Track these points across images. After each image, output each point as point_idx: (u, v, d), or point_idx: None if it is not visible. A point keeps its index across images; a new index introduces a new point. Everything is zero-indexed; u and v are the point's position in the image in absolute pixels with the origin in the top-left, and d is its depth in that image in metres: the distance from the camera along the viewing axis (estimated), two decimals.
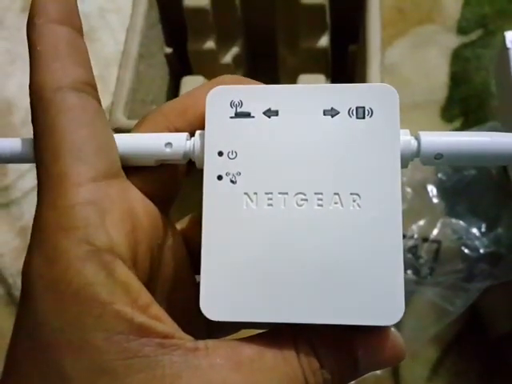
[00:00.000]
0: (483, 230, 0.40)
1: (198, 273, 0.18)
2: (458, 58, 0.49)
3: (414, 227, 0.41)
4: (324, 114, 0.18)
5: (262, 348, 0.16)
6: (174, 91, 0.46)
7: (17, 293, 0.45)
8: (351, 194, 0.17)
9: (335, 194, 0.17)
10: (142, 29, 0.43)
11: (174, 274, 0.20)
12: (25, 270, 0.16)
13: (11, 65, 0.56)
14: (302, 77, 0.42)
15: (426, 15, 0.52)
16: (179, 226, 0.21)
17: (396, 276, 0.17)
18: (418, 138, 0.18)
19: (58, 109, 0.16)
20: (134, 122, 0.40)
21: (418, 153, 0.18)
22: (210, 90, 0.18)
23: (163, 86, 0.47)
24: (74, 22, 0.18)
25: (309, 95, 0.18)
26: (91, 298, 0.15)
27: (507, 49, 0.36)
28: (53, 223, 0.15)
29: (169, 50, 0.47)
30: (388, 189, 0.17)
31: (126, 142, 0.18)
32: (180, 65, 0.48)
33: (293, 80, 0.43)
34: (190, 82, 0.45)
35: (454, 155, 0.18)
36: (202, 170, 0.18)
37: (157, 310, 0.16)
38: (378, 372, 0.38)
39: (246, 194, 0.18)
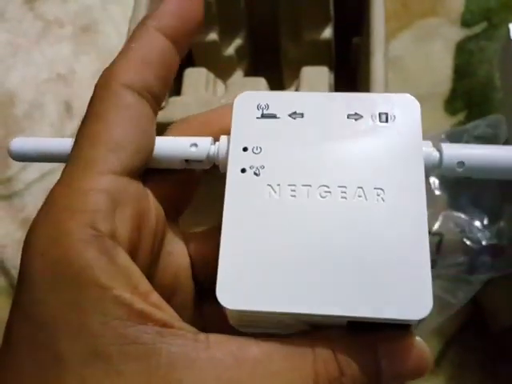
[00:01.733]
0: (485, 222, 0.40)
1: (198, 282, 0.18)
2: (461, 50, 0.49)
3: None
4: (348, 118, 0.18)
5: (273, 349, 0.15)
6: (176, 83, 0.46)
7: None
8: (375, 188, 0.17)
9: (359, 187, 0.17)
10: None
11: (174, 279, 0.20)
12: (25, 247, 0.16)
13: (13, 57, 0.56)
14: (305, 69, 0.42)
15: (429, 8, 0.51)
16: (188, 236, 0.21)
17: (422, 270, 0.16)
18: (439, 149, 0.19)
19: (115, 102, 0.17)
20: None
21: (440, 163, 0.18)
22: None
23: None
24: (180, 43, 0.18)
25: (333, 101, 0.19)
26: (91, 281, 0.14)
27: (510, 41, 0.36)
28: (62, 203, 0.15)
29: None
30: (413, 185, 0.17)
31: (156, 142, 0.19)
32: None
33: (296, 72, 0.43)
34: (192, 74, 0.45)
35: (475, 166, 0.18)
36: (219, 180, 0.19)
37: (157, 298, 0.16)
38: None
39: (269, 185, 0.18)
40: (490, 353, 0.39)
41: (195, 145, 0.19)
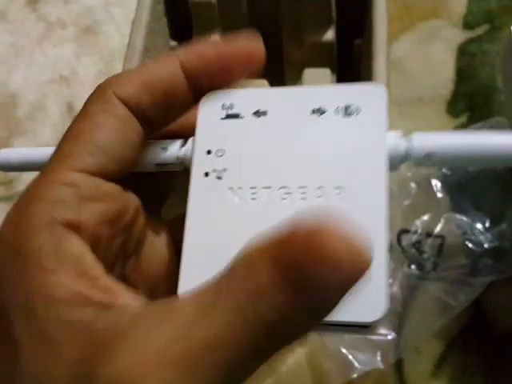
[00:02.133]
0: (487, 225, 0.40)
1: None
2: (463, 52, 0.49)
3: (418, 222, 0.41)
4: (312, 113, 0.18)
5: (199, 295, 0.14)
6: None
7: None
8: (336, 187, 0.17)
9: (319, 187, 0.17)
10: (147, 22, 0.43)
11: (158, 270, 0.20)
12: None
13: (15, 58, 0.56)
14: (308, 71, 0.42)
15: (431, 10, 0.51)
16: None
17: (377, 273, 0.16)
18: (409, 139, 0.18)
19: (106, 109, 0.17)
20: None
21: (407, 155, 0.18)
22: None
23: None
24: (196, 84, 0.18)
25: (298, 96, 0.18)
26: (36, 265, 0.15)
27: None
28: (32, 193, 0.16)
29: (174, 44, 0.47)
30: (374, 182, 0.17)
31: None
32: None
33: (298, 74, 0.43)
34: None
35: (446, 155, 0.18)
36: None
37: (107, 281, 0.16)
38: (381, 366, 0.38)
39: (230, 188, 0.18)
40: (492, 356, 0.39)
41: (165, 148, 0.19)
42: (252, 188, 0.17)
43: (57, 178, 0.16)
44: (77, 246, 0.16)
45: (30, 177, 0.48)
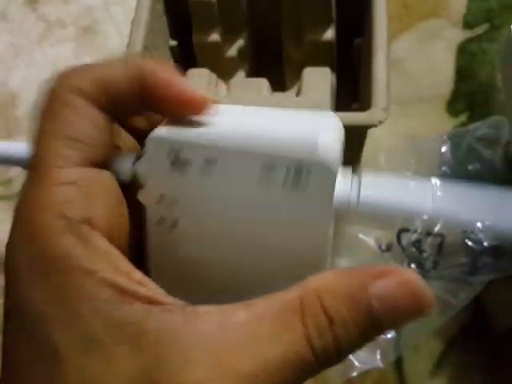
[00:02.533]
0: (487, 223, 0.40)
1: None
2: (463, 52, 0.49)
3: (418, 221, 0.41)
4: (261, 176, 0.17)
5: (260, 311, 0.15)
6: None
7: None
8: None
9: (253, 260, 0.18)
10: (146, 21, 0.43)
11: None
12: (7, 248, 0.16)
13: (15, 58, 0.56)
14: (307, 70, 0.42)
15: (431, 9, 0.51)
16: None
17: None
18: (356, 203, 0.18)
19: (68, 103, 0.17)
20: None
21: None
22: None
23: None
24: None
25: (250, 145, 0.17)
26: (73, 269, 0.15)
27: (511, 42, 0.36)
28: (32, 200, 0.16)
29: (174, 43, 0.47)
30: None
31: None
32: (185, 57, 0.48)
33: (298, 73, 0.43)
34: (194, 75, 0.45)
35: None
36: None
37: (140, 276, 0.15)
38: (381, 365, 0.38)
39: (181, 237, 0.18)
40: (492, 355, 0.39)
41: (119, 166, 0.19)
42: (199, 240, 0.17)
43: (52, 179, 0.16)
44: (101, 242, 0.15)
45: None
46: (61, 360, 0.14)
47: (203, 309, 0.15)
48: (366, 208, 0.17)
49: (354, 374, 0.37)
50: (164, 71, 0.18)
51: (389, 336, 0.39)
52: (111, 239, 0.16)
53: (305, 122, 0.17)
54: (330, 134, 0.16)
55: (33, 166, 0.16)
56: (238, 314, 0.15)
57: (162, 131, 0.18)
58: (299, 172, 0.16)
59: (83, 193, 0.16)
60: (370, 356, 0.38)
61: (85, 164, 0.17)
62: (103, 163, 0.18)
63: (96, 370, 0.14)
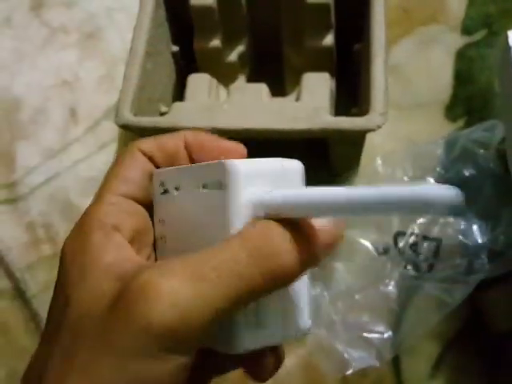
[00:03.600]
0: (483, 226, 0.40)
1: None
2: (462, 57, 0.49)
3: (414, 225, 0.41)
4: (202, 187, 0.23)
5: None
6: (180, 89, 0.47)
7: (24, 287, 0.46)
8: None
9: None
10: (148, 27, 0.44)
11: None
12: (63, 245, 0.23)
13: (19, 63, 0.56)
14: (307, 75, 0.43)
15: (430, 15, 0.52)
16: None
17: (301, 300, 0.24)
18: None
19: (132, 156, 0.25)
20: (140, 120, 0.41)
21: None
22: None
23: (169, 84, 0.47)
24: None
25: (195, 172, 0.23)
26: (94, 249, 0.22)
27: (510, 48, 0.36)
28: (88, 210, 0.23)
29: (175, 49, 0.47)
30: None
31: None
32: (186, 63, 0.48)
33: (297, 78, 0.43)
34: (195, 80, 0.45)
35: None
36: None
37: (139, 258, 0.23)
38: (377, 364, 0.39)
39: (170, 251, 0.24)
40: (489, 357, 0.39)
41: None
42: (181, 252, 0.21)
43: (104, 200, 0.24)
44: (118, 237, 0.23)
45: (33, 180, 0.49)
46: (68, 300, 0.21)
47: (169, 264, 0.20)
48: (275, 200, 0.21)
49: (350, 371, 0.38)
50: (202, 133, 0.26)
51: (385, 336, 0.39)
52: (132, 241, 0.23)
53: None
54: (236, 161, 0.22)
55: (98, 190, 0.24)
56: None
57: (160, 170, 0.25)
58: (220, 182, 0.22)
59: (119, 211, 0.24)
60: (365, 355, 0.38)
61: (128, 196, 0.24)
62: (144, 200, 0.25)
63: (83, 293, 0.21)
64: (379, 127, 0.37)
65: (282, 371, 0.25)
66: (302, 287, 0.23)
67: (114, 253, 0.22)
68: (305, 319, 0.23)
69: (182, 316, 0.18)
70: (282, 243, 0.20)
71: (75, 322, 0.20)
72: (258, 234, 0.20)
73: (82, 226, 0.23)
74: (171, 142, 0.25)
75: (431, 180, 0.42)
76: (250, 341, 0.22)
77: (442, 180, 0.42)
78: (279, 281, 0.20)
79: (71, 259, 0.22)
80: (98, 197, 0.24)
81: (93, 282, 0.21)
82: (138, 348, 0.18)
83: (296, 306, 0.23)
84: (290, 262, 0.20)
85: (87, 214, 0.23)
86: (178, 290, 0.19)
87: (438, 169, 0.42)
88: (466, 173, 0.42)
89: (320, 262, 0.21)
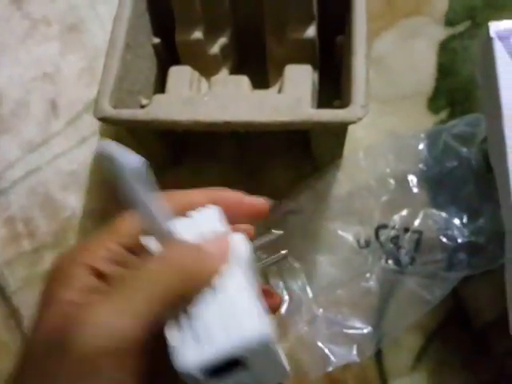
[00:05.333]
0: (464, 220, 0.40)
1: None
2: (445, 49, 0.49)
3: (396, 217, 0.41)
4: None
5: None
6: (161, 82, 0.46)
7: (3, 283, 0.46)
8: None
9: None
10: (129, 18, 0.43)
11: None
12: None
13: (0, 56, 0.56)
14: (289, 67, 0.42)
15: (414, 7, 0.52)
16: None
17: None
18: None
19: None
20: (119, 112, 0.40)
21: None
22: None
23: (150, 76, 0.47)
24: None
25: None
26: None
27: (491, 38, 0.36)
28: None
29: (156, 40, 0.47)
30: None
31: None
32: (168, 55, 0.48)
33: (280, 70, 0.43)
34: (177, 73, 0.45)
35: None
36: None
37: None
38: (357, 360, 0.39)
39: None
40: (471, 349, 0.39)
41: None
42: None
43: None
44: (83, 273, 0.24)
45: (14, 174, 0.48)
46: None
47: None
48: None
49: (330, 368, 0.38)
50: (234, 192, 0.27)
51: (365, 331, 0.39)
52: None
53: None
54: None
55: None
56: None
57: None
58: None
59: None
60: (346, 351, 0.38)
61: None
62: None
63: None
64: (360, 119, 0.37)
65: None
66: (241, 296, 0.22)
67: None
68: (254, 324, 0.22)
69: (111, 334, 0.19)
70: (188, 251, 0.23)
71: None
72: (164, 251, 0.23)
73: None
74: (199, 200, 0.26)
75: (413, 177, 0.42)
76: (194, 357, 0.21)
77: (424, 177, 0.42)
78: (195, 276, 0.22)
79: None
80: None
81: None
82: (79, 373, 0.19)
83: (235, 314, 0.22)
84: (199, 261, 0.23)
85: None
86: (101, 313, 0.20)
87: (420, 165, 0.42)
88: (449, 169, 0.42)
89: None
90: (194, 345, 0.21)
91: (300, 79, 0.42)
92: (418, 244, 0.40)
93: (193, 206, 0.26)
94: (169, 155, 0.46)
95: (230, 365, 0.21)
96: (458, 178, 0.41)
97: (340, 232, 0.41)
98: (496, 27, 0.36)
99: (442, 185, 0.41)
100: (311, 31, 0.44)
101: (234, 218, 0.26)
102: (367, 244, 0.41)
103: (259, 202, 0.27)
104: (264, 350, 0.22)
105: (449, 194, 0.41)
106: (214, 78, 0.44)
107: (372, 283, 0.40)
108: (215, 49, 0.47)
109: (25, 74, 0.54)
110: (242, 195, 0.27)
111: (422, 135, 0.43)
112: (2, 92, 0.54)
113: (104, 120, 0.39)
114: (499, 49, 0.35)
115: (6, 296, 0.45)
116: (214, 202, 0.26)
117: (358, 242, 0.41)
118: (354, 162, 0.43)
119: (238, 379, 0.22)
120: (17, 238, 0.47)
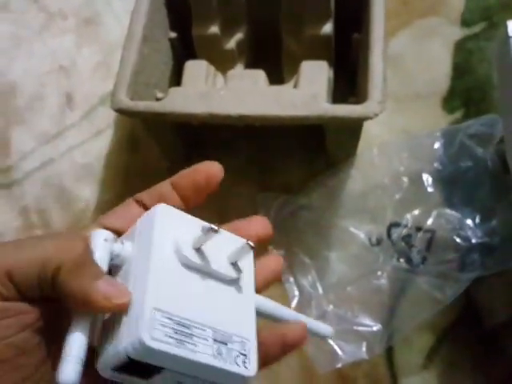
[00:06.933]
0: (477, 221, 0.40)
1: None
2: (461, 49, 0.49)
3: (409, 216, 0.41)
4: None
5: None
6: (177, 76, 0.47)
7: None
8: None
9: None
10: (146, 11, 0.43)
11: None
12: None
13: (16, 49, 0.56)
14: (305, 63, 0.42)
15: (429, 7, 0.52)
16: None
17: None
18: None
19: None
20: (136, 103, 0.40)
21: None
22: None
23: (166, 70, 0.47)
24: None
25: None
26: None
27: (509, 37, 0.36)
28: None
29: (173, 35, 0.47)
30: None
31: None
32: (184, 49, 0.48)
33: (296, 66, 0.43)
34: (192, 67, 0.45)
35: None
36: None
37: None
38: (366, 357, 0.38)
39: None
40: (482, 349, 0.39)
41: None
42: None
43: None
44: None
45: (28, 165, 0.48)
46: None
47: None
48: None
49: (339, 365, 0.38)
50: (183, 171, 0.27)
51: (375, 329, 0.39)
52: None
53: None
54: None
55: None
56: None
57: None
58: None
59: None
60: (355, 348, 0.38)
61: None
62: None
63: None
64: (376, 115, 0.37)
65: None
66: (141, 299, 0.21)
67: None
68: (138, 326, 0.20)
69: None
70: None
71: None
72: None
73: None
74: (158, 188, 0.26)
75: (428, 176, 0.42)
76: (102, 359, 0.21)
77: (438, 176, 0.41)
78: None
79: None
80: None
81: None
82: None
83: (131, 315, 0.21)
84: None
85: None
86: None
87: (435, 164, 0.42)
88: (464, 169, 0.41)
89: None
90: (105, 347, 0.21)
91: (316, 75, 0.42)
92: (430, 243, 0.40)
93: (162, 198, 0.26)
94: (183, 151, 0.46)
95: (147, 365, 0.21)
96: (473, 178, 0.41)
97: (352, 229, 0.41)
98: None
99: (457, 184, 0.41)
100: (328, 28, 0.44)
101: (187, 192, 0.26)
102: (379, 242, 0.41)
103: (213, 167, 0.25)
104: (149, 353, 0.20)
105: (463, 193, 0.41)
106: (230, 73, 0.44)
107: (383, 281, 0.39)
108: (231, 44, 0.47)
109: (40, 66, 0.55)
110: (194, 167, 0.26)
111: (438, 134, 0.42)
112: (18, 84, 0.54)
113: (121, 111, 0.39)
114: None
115: None
116: (175, 184, 0.26)
117: (370, 239, 0.41)
118: (367, 159, 0.43)
119: (167, 378, 0.22)
120: (31, 228, 0.47)
